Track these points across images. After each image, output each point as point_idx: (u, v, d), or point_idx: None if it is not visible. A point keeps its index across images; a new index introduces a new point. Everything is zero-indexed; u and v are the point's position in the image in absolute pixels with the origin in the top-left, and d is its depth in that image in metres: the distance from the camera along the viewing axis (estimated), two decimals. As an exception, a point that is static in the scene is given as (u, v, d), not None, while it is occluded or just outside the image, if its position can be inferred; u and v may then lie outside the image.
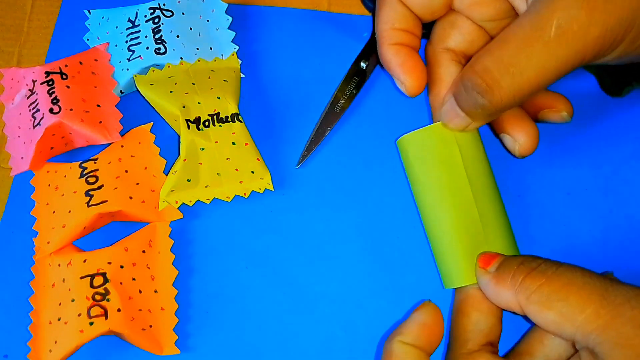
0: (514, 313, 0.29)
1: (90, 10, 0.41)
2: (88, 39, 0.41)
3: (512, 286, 0.28)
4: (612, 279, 0.27)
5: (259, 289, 0.35)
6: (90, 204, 0.34)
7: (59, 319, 0.32)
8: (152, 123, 0.38)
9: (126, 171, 0.36)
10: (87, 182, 0.35)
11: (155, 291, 0.34)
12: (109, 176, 0.36)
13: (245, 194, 0.36)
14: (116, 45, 0.39)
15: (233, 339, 0.34)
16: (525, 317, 0.29)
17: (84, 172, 0.36)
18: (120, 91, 0.39)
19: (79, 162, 0.36)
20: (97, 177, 0.35)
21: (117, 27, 0.40)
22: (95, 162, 0.36)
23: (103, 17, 0.41)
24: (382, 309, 0.35)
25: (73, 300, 0.32)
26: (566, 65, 0.27)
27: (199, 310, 0.35)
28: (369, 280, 0.35)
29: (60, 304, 0.32)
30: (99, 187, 0.35)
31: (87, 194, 0.35)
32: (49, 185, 0.36)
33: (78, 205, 0.35)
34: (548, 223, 0.37)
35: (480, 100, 0.28)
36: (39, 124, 0.36)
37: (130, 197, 0.35)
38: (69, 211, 0.35)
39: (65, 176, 0.36)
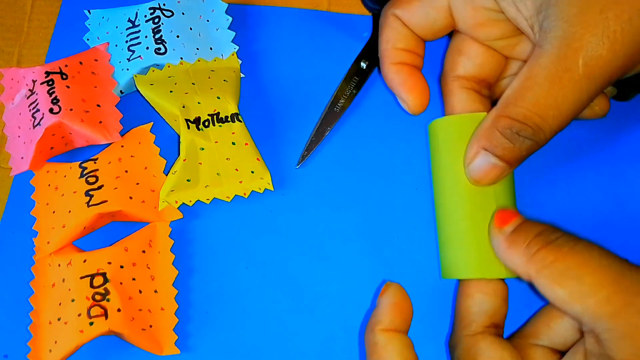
0: (519, 278, 0.28)
1: (90, 10, 0.41)
2: (88, 39, 0.41)
3: (524, 254, 0.27)
4: (629, 264, 0.26)
5: (259, 289, 0.35)
6: (90, 204, 0.34)
7: (59, 319, 0.32)
8: (152, 123, 0.38)
9: (126, 171, 0.36)
10: (87, 182, 0.35)
11: (155, 291, 0.34)
12: (109, 176, 0.36)
13: (245, 194, 0.36)
14: (116, 45, 0.39)
15: (233, 339, 0.34)
16: (531, 285, 0.28)
17: (84, 172, 0.36)
18: (120, 91, 0.39)
19: (79, 162, 0.36)
20: (97, 177, 0.35)
21: (117, 27, 0.40)
22: (95, 162, 0.36)
23: (103, 17, 0.41)
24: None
25: (73, 300, 0.32)
26: (596, 92, 0.28)
27: (199, 310, 0.35)
28: (369, 280, 0.35)
29: (60, 304, 0.32)
30: (99, 187, 0.35)
31: (87, 194, 0.35)
32: (49, 185, 0.36)
33: (78, 205, 0.35)
34: (548, 223, 0.37)
35: (527, 143, 0.29)
36: (39, 124, 0.36)
37: (130, 197, 0.35)
38: (69, 211, 0.35)
39: (65, 176, 0.36)
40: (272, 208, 0.37)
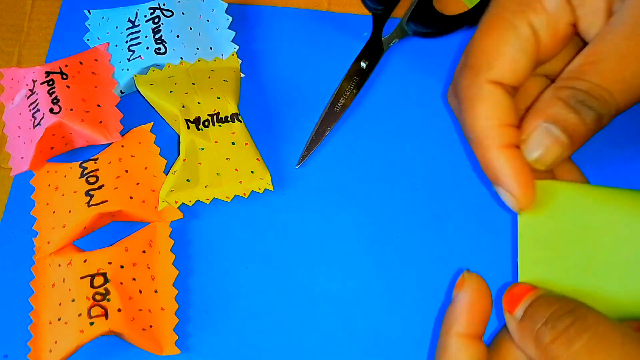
0: None
1: (91, 11, 0.41)
2: (88, 39, 0.41)
3: (537, 346, 0.24)
4: None
5: (259, 288, 0.35)
6: (90, 203, 0.34)
7: (59, 319, 0.32)
8: (152, 123, 0.38)
9: (126, 171, 0.36)
10: (88, 182, 0.35)
11: (156, 291, 0.34)
12: (109, 176, 0.36)
13: (245, 194, 0.36)
14: (116, 46, 0.39)
15: (233, 339, 0.34)
16: None
17: (84, 172, 0.36)
18: (121, 91, 0.39)
19: (79, 162, 0.36)
20: (97, 177, 0.35)
21: (117, 27, 0.40)
22: (95, 162, 0.36)
23: (103, 17, 0.41)
24: (382, 309, 0.35)
25: (73, 300, 0.32)
26: None
27: (199, 310, 0.35)
28: (369, 280, 0.35)
29: (60, 304, 0.32)
30: (99, 187, 0.35)
31: (87, 194, 0.35)
32: (49, 185, 0.36)
33: (78, 205, 0.35)
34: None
35: (592, 114, 0.26)
36: (39, 124, 0.36)
37: (131, 197, 0.35)
38: (69, 211, 0.35)
39: (65, 176, 0.36)
40: (272, 208, 0.37)
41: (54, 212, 0.35)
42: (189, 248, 0.36)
